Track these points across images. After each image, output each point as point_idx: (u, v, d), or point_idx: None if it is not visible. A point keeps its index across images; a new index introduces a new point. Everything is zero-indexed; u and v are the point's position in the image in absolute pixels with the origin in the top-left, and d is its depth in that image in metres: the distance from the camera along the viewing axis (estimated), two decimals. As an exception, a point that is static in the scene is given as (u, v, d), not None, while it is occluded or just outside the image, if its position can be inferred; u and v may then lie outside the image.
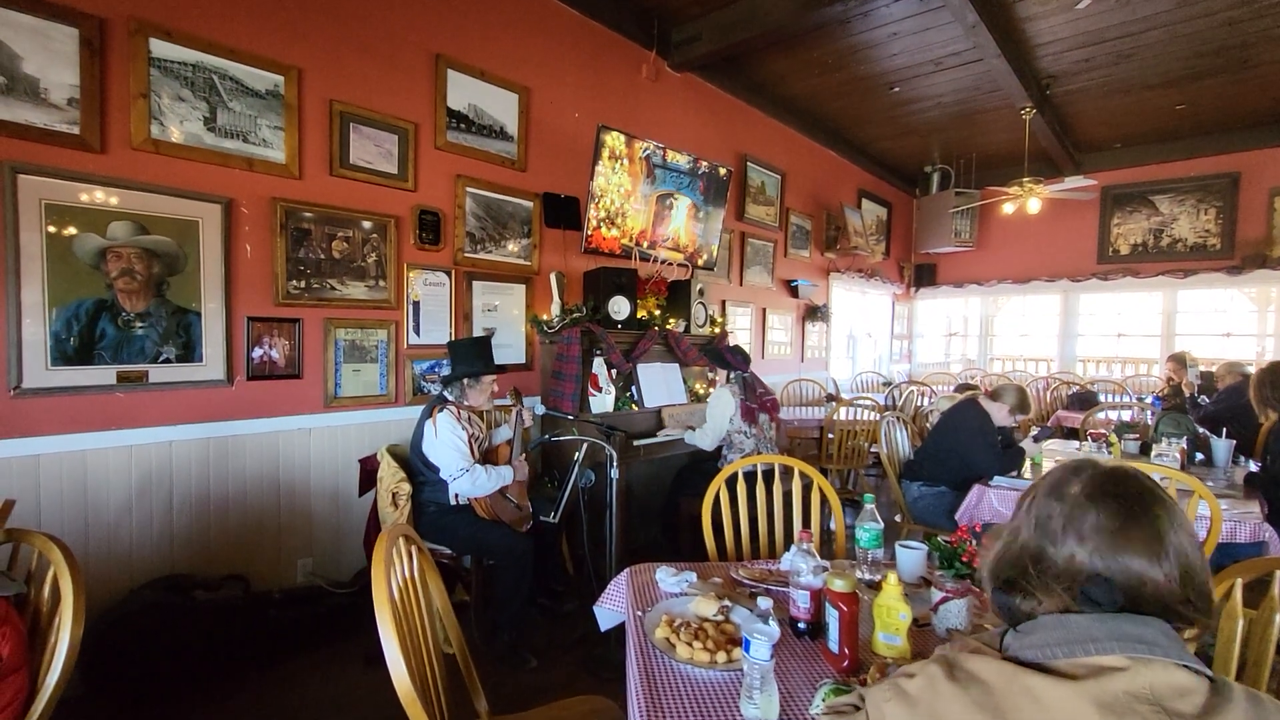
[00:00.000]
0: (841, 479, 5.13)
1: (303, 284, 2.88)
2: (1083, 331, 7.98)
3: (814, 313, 6.70)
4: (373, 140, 3.09)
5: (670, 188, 4.23)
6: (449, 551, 2.68)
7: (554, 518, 2.63)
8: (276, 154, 2.77)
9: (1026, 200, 5.85)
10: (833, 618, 1.19)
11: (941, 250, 8.30)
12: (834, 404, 5.00)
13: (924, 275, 8.94)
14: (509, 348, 3.77)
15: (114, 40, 2.34)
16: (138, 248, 2.41)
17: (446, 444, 2.55)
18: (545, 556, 2.95)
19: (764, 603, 1.11)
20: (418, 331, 3.30)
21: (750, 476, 2.26)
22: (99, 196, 2.33)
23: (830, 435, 4.71)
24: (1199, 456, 3.28)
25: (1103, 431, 3.29)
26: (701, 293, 4.36)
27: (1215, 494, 2.51)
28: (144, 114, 2.41)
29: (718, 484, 2.13)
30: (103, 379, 2.35)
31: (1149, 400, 4.95)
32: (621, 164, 3.86)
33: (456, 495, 2.62)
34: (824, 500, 2.15)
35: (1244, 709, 0.67)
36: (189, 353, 2.55)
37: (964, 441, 2.98)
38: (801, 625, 1.31)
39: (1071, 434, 4.76)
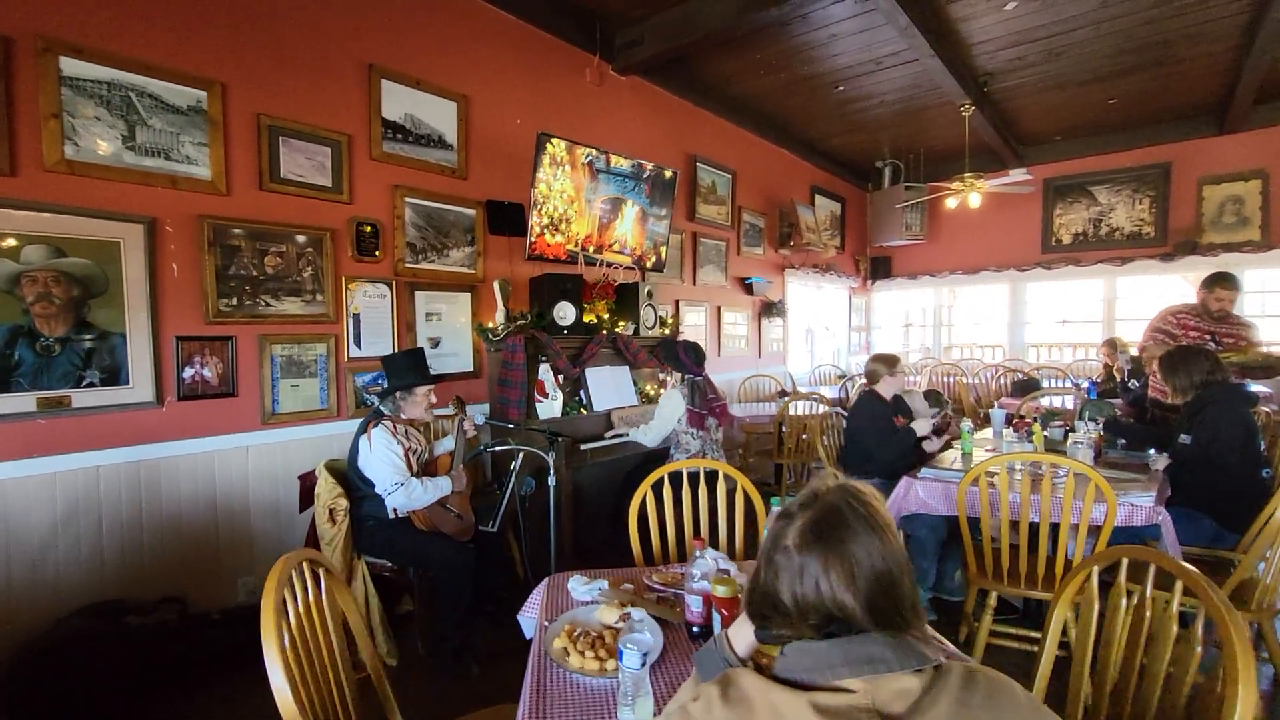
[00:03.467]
0: (795, 474, 5.24)
1: (235, 301, 2.85)
2: (1030, 319, 8.24)
3: (770, 309, 6.81)
4: (304, 153, 3.07)
5: (615, 192, 4.27)
6: (391, 565, 2.69)
7: (492, 527, 2.65)
8: (201, 171, 2.74)
9: (968, 195, 6.02)
10: (717, 622, 1.25)
11: (894, 243, 8.50)
12: (785, 399, 5.10)
13: (880, 268, 9.12)
14: (455, 356, 3.78)
15: (21, 60, 2.29)
16: (54, 271, 2.36)
17: (380, 459, 2.56)
18: (491, 564, 2.98)
19: (637, 613, 1.16)
20: (359, 344, 3.29)
21: (683, 479, 2.32)
22: (11, 220, 2.28)
23: (786, 430, 4.81)
24: (1121, 442, 3.44)
25: (1027, 420, 3.43)
26: (650, 295, 4.41)
27: (1122, 480, 2.66)
28: (56, 135, 2.36)
29: (644, 489, 2.18)
30: (20, 407, 2.31)
31: (1084, 385, 5.15)
32: (563, 170, 3.88)
33: (395, 509, 2.63)
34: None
35: (953, 694, 0.76)
36: (114, 376, 2.52)
37: (863, 430, 3.09)
38: (695, 629, 1.37)
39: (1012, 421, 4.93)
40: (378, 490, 2.57)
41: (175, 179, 2.66)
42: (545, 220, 3.87)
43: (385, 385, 2.76)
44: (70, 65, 2.39)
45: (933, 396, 4.24)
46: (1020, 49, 5.10)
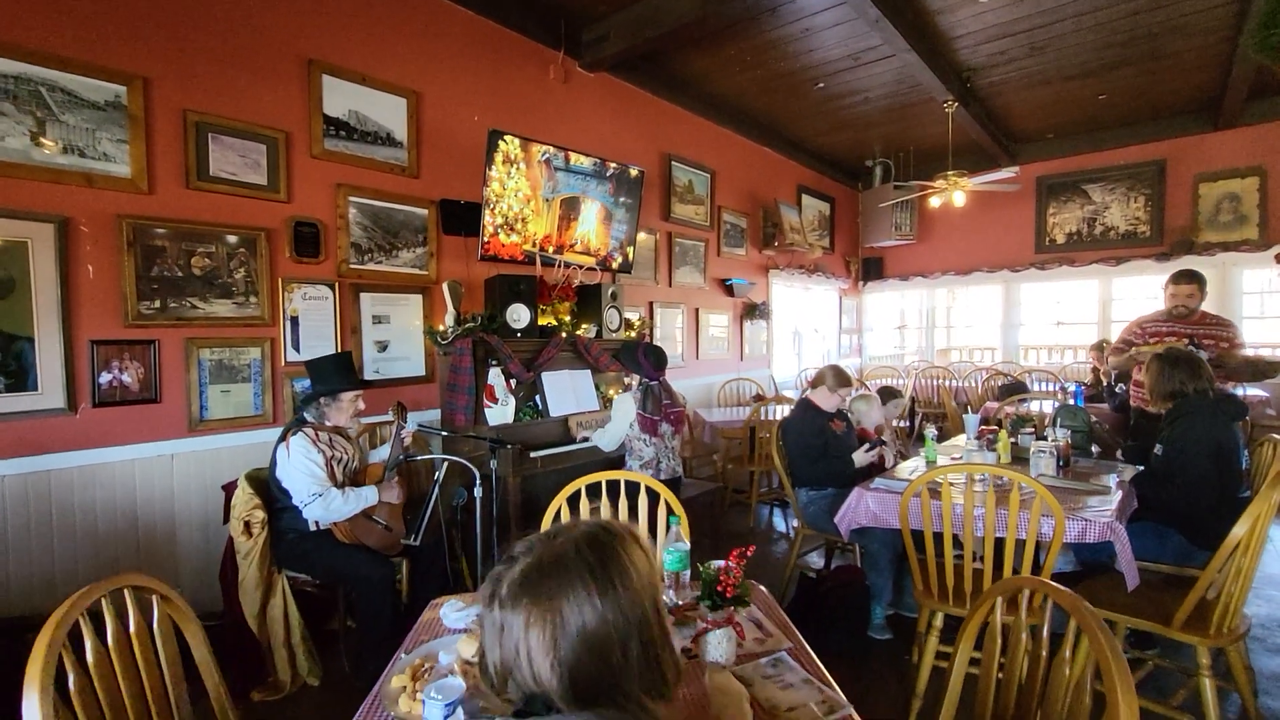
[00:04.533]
0: (770, 481, 5.10)
1: (158, 304, 2.75)
2: (1024, 321, 8.04)
3: (753, 311, 6.66)
4: (236, 150, 2.97)
5: (575, 190, 4.14)
6: (312, 579, 2.57)
7: (415, 540, 2.53)
8: (120, 168, 2.64)
9: (952, 193, 5.85)
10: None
11: (884, 244, 8.33)
12: (758, 403, 4.95)
13: (871, 269, 8.95)
14: (405, 361, 3.67)
15: (-86, 53, 2.20)
16: (-47, 273, 2.27)
17: (298, 468, 2.44)
18: (428, 577, 2.85)
19: (445, 658, 1.03)
20: (297, 348, 3.18)
21: (601, 490, 2.19)
22: (-96, 220, 2.19)
23: (765, 435, 4.66)
24: (1095, 450, 3.28)
25: (991, 428, 3.27)
26: (615, 296, 4.29)
27: (1081, 492, 2.50)
28: (-45, 130, 2.27)
29: (559, 501, 2.05)
30: (-85, 413, 2.21)
31: (1070, 389, 4.97)
32: (518, 168, 3.76)
33: (317, 521, 2.52)
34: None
35: None
36: (21, 381, 2.42)
37: (791, 445, 2.96)
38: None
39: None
40: (294, 501, 2.45)
41: (91, 177, 2.56)
42: (499, 220, 3.75)
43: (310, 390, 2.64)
44: (-29, 58, 2.30)
45: (887, 393, 4.08)
46: (1001, 43, 4.94)
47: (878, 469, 3.11)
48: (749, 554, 1.40)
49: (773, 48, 4.98)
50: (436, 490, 2.57)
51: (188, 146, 2.81)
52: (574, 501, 2.07)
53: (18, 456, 2.42)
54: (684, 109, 5.68)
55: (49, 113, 2.47)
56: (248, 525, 2.47)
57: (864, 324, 9.18)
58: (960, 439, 3.75)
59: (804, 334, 7.99)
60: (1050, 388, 6.22)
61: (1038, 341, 8.04)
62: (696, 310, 5.95)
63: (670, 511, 2.06)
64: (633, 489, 2.15)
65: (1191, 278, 3.46)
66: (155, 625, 1.30)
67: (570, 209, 4.15)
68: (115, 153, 2.62)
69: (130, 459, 2.69)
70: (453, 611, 1.49)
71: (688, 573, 1.63)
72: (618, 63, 4.81)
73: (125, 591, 1.25)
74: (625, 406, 3.37)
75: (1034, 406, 4.81)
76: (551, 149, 3.91)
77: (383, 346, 3.55)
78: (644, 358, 3.44)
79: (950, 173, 5.79)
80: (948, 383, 6.78)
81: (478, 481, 2.43)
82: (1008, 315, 8.04)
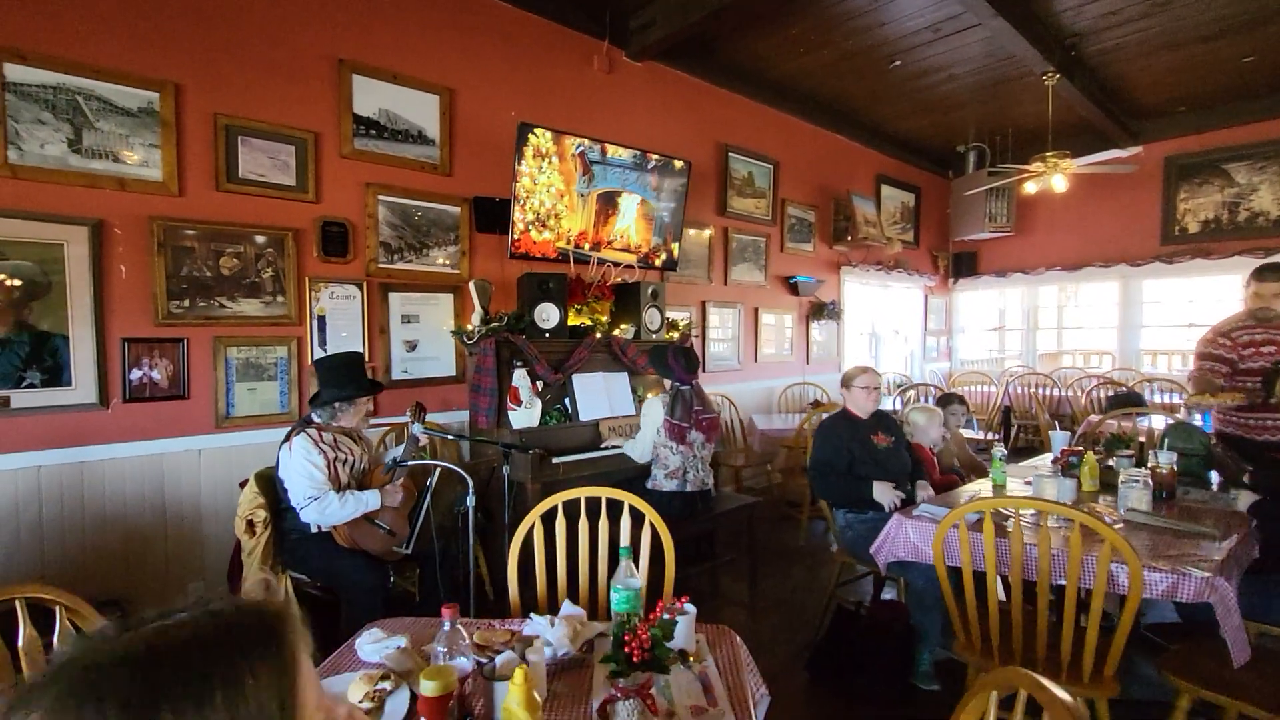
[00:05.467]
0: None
1: (187, 303, 2.83)
2: (1147, 322, 7.03)
3: (821, 310, 6.21)
4: (265, 152, 3.02)
5: (613, 185, 3.96)
6: (313, 582, 2.54)
7: (406, 548, 2.44)
8: (152, 172, 2.73)
9: (1050, 177, 5.15)
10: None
11: (976, 237, 7.56)
12: (814, 410, 4.56)
13: (963, 264, 8.17)
14: (435, 360, 3.63)
15: (-38, 68, 2.35)
16: (-6, 273, 2.41)
17: (297, 470, 2.41)
18: (434, 582, 2.76)
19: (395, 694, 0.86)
20: (323, 346, 3.20)
21: (580, 508, 1.98)
22: (-48, 224, 2.34)
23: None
24: (1215, 479, 2.69)
25: (1077, 449, 2.75)
26: (655, 295, 4.06)
27: (1184, 534, 2.01)
28: (-1, 139, 2.41)
29: (532, 518, 1.87)
30: (-42, 405, 2.36)
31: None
32: (549, 162, 3.63)
33: (318, 524, 2.48)
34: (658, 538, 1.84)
35: None
36: (56, 377, 2.54)
37: (813, 455, 2.60)
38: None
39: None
40: (291, 502, 2.43)
41: (124, 181, 2.67)
42: (530, 216, 3.63)
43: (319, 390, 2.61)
44: (14, 71, 2.43)
45: (946, 400, 3.56)
46: (1111, 1, 4.26)
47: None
48: (682, 606, 1.15)
49: (838, 24, 4.56)
50: (429, 498, 2.47)
51: (218, 149, 2.88)
52: (589, 513, 1.87)
53: (53, 448, 2.54)
54: (743, 96, 5.36)
55: (85, 120, 2.58)
56: (251, 524, 2.47)
57: (954, 325, 8.40)
58: (1047, 458, 3.23)
59: (882, 336, 7.40)
60: (1174, 400, 5.35)
61: (1164, 346, 7.01)
62: (755, 310, 5.61)
63: (655, 533, 1.82)
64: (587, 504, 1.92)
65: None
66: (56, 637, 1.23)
67: (608, 204, 3.97)
68: (148, 157, 2.72)
69: (159, 453, 2.78)
70: (369, 642, 1.34)
71: (638, 614, 1.40)
72: (666, 50, 4.58)
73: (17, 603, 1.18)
74: (653, 412, 3.15)
75: (1149, 422, 4.11)
76: (586, 141, 3.75)
77: (411, 346, 3.53)
78: (675, 360, 3.20)
79: (1049, 154, 5.10)
80: (1048, 391, 6.01)
81: (470, 489, 2.29)
82: (1126, 316, 7.07)
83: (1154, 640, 2.63)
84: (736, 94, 5.32)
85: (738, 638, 1.44)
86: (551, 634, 1.37)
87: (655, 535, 1.85)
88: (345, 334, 3.27)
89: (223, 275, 2.92)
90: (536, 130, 3.52)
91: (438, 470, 2.47)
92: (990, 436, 5.55)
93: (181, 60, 2.79)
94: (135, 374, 2.72)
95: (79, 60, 2.56)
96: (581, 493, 1.94)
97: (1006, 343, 8.40)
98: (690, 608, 1.37)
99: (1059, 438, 3.25)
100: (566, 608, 1.53)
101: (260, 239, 3.01)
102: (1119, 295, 7.09)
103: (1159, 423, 4.03)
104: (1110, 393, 5.33)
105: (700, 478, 3.18)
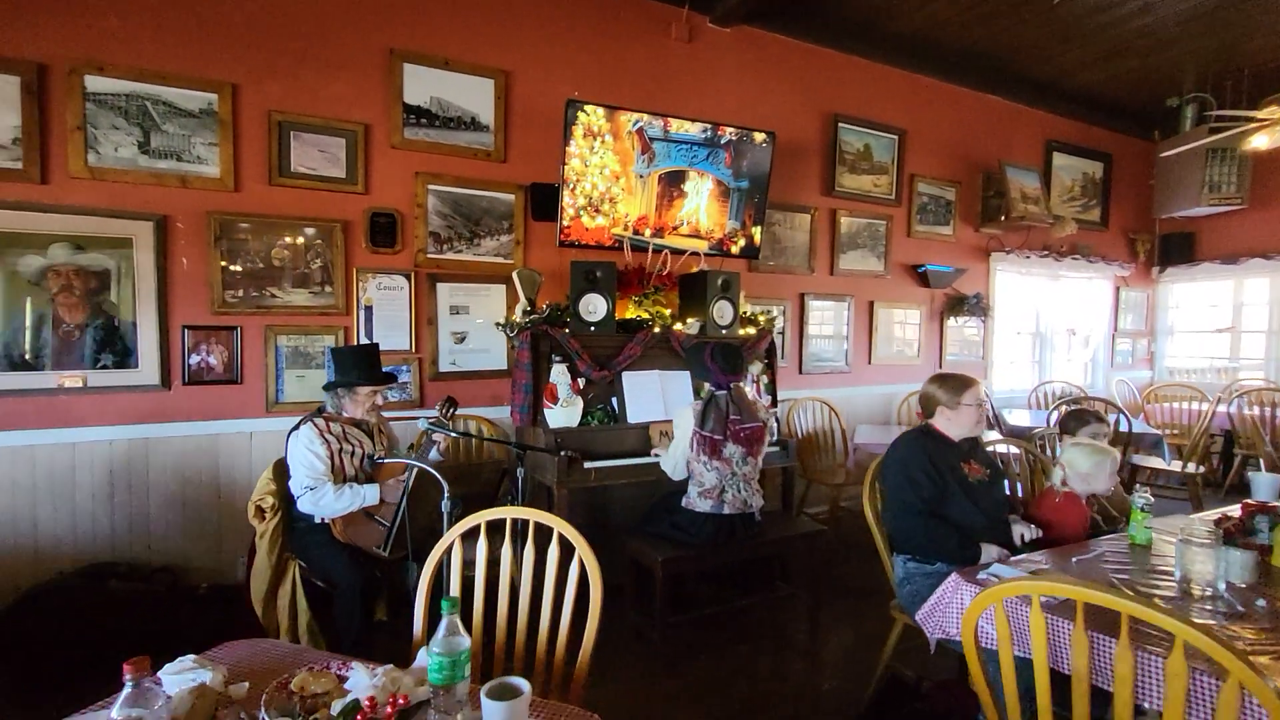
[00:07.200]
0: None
1: (240, 293, 2.98)
2: None
3: (960, 305, 5.25)
4: (316, 146, 3.09)
5: (680, 163, 3.58)
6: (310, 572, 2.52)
7: (384, 550, 2.30)
8: (211, 169, 2.90)
9: (1291, 124, 3.80)
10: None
11: (1192, 213, 5.95)
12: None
13: (1175, 249, 6.50)
14: (485, 353, 3.53)
15: (52, 82, 2.64)
16: (75, 265, 2.69)
17: (298, 459, 2.40)
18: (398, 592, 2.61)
19: None
20: (370, 336, 3.22)
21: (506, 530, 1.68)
22: (42, 222, 2.64)
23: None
24: None
25: (1272, 507, 1.84)
26: (725, 285, 3.61)
27: None
28: (80, 145, 2.68)
29: (452, 536, 1.60)
30: (46, 383, 2.67)
31: None
32: (602, 141, 3.35)
33: (321, 515, 2.45)
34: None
35: None
36: (125, 359, 2.79)
37: (888, 489, 1.94)
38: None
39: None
40: (290, 490, 2.42)
41: (186, 178, 2.86)
42: (581, 201, 3.39)
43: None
44: (94, 82, 2.69)
45: (1076, 417, 2.60)
46: None
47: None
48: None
49: (973, -47, 3.74)
50: (404, 500, 2.32)
51: (271, 145, 3.00)
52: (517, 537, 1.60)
53: (122, 424, 2.80)
54: (856, 56, 4.64)
55: (153, 123, 2.80)
56: (260, 509, 2.51)
57: (1158, 324, 6.73)
58: (1205, 516, 2.26)
59: (1051, 337, 6.11)
60: None
61: None
62: (870, 304, 4.86)
63: (582, 568, 1.47)
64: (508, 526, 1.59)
65: None
66: None
67: (672, 185, 3.60)
68: (207, 155, 2.90)
69: (215, 434, 2.96)
70: (171, 675, 1.16)
71: (464, 685, 1.07)
72: (757, 10, 4.06)
73: None
74: (684, 422, 2.75)
75: None
76: (645, 117, 3.41)
77: (460, 338, 3.46)
78: (712, 360, 2.77)
79: (1290, 92, 3.75)
80: (1252, 413, 4.49)
81: (446, 494, 2.09)
82: None
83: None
84: (850, 55, 4.62)
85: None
86: (362, 692, 1.10)
87: (584, 572, 1.49)
88: (392, 324, 3.27)
89: (274, 266, 3.04)
90: (586, 107, 3.26)
91: (414, 470, 2.32)
92: (1191, 469, 4.27)
93: (238, 61, 2.94)
94: (194, 359, 2.92)
95: (149, 68, 2.78)
96: (507, 513, 1.64)
97: (1243, 348, 6.52)
98: (522, 684, 1.02)
99: (1265, 482, 2.30)
100: (420, 657, 1.25)
101: (310, 230, 3.09)
102: None
103: None
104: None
105: (741, 498, 2.71)
